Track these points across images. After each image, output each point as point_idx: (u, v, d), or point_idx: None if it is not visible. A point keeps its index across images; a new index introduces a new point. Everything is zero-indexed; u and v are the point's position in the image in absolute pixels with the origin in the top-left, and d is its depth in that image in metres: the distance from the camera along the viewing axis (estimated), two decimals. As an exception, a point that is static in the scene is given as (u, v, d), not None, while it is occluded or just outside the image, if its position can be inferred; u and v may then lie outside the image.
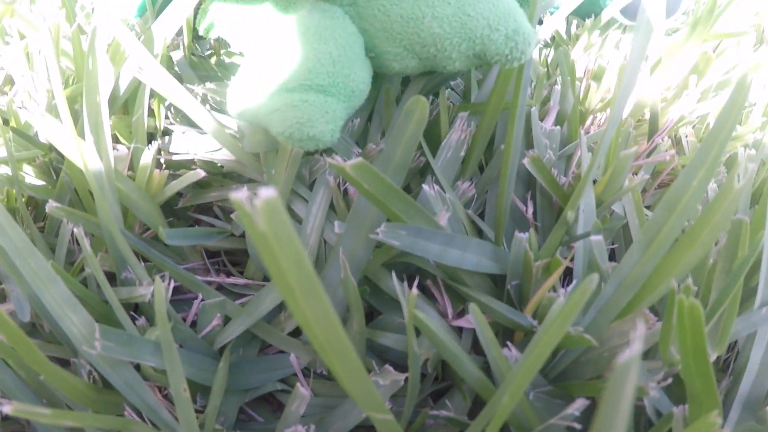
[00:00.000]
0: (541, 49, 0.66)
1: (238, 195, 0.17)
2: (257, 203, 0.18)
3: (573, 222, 0.42)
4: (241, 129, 0.44)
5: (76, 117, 0.51)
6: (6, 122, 0.61)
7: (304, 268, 0.20)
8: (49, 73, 0.45)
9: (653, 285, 0.35)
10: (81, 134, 0.44)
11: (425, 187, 0.41)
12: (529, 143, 0.49)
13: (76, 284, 0.40)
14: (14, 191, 0.49)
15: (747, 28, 0.75)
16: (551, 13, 0.64)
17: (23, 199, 0.50)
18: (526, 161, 0.44)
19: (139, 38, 0.62)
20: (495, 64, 0.42)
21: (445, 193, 0.42)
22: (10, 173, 0.50)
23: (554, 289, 0.41)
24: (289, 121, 0.37)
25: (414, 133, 0.37)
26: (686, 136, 0.58)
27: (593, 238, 0.39)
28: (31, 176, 0.54)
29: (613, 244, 0.49)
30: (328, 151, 0.47)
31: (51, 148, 0.53)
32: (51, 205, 0.42)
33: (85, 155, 0.41)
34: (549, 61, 0.65)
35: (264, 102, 0.40)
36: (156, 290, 0.34)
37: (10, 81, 0.69)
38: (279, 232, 0.18)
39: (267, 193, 0.17)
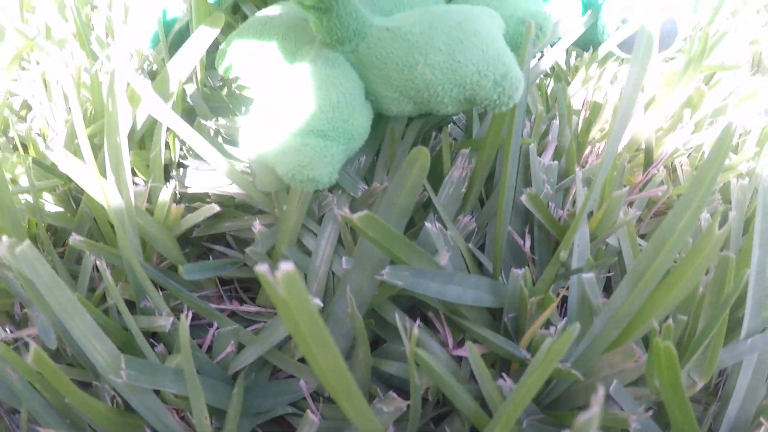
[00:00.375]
0: (541, 80, 0.70)
1: (262, 268, 0.21)
2: (278, 275, 0.21)
3: (567, 258, 0.46)
4: (253, 169, 0.48)
5: (95, 150, 0.55)
6: (24, 148, 0.65)
7: (317, 327, 0.24)
8: (72, 114, 0.49)
9: (640, 321, 0.39)
10: (101, 169, 0.48)
11: (428, 224, 0.45)
12: (527, 178, 0.53)
13: (99, 315, 0.43)
14: (35, 220, 0.53)
15: (743, 55, 0.78)
16: (552, 45, 0.68)
17: (44, 226, 0.54)
18: (523, 198, 0.48)
19: (154, 72, 0.66)
20: (485, 108, 0.45)
21: (446, 230, 0.46)
22: (31, 200, 0.54)
23: (549, 321, 0.44)
24: (292, 164, 0.41)
25: (417, 180, 0.41)
26: (681, 165, 0.62)
27: (584, 276, 0.42)
28: (50, 203, 0.58)
29: (609, 272, 0.53)
30: (336, 187, 0.50)
31: (70, 178, 0.57)
32: (74, 239, 0.46)
33: (107, 193, 0.45)
34: (549, 91, 0.69)
35: (271, 145, 0.44)
36: (181, 331, 0.38)
37: (26, 105, 0.73)
38: (295, 297, 0.22)
39: (285, 266, 0.21)
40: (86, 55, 0.73)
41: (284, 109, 0.44)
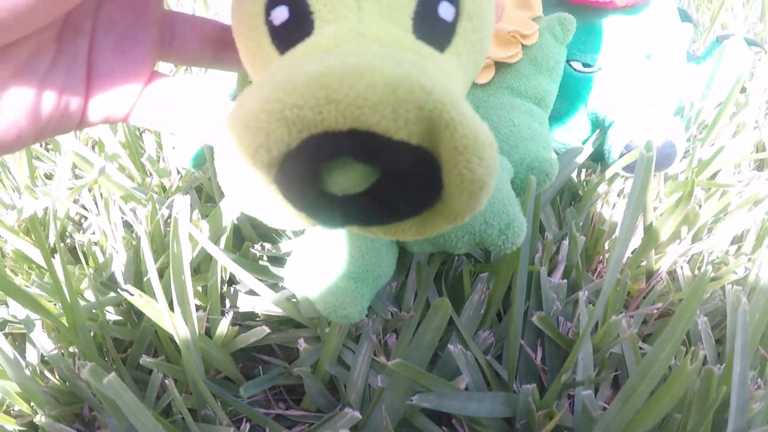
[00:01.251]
0: (555, 198, 0.81)
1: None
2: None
3: (573, 369, 0.57)
4: (298, 299, 0.59)
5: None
6: (84, 256, 0.77)
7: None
8: (144, 257, 0.60)
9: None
10: (166, 293, 0.60)
11: (450, 347, 0.56)
12: (539, 295, 0.64)
13: (169, 426, 0.55)
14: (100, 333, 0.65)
15: (747, 149, 0.90)
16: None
17: (109, 338, 0.65)
18: (534, 319, 0.60)
19: (200, 188, 0.78)
20: (492, 251, 0.56)
21: (467, 349, 0.57)
22: (95, 311, 0.66)
23: (558, 424, 0.56)
24: (328, 303, 0.53)
25: (440, 323, 0.53)
26: (682, 270, 0.73)
27: (584, 393, 0.54)
28: (111, 314, 0.70)
29: (617, 371, 0.64)
30: (371, 311, 0.62)
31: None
32: (145, 360, 0.58)
33: (176, 324, 0.56)
34: (561, 202, 0.81)
35: (310, 284, 0.56)
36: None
37: (80, 214, 0.86)
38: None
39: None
40: (136, 168, 0.86)
41: (319, 254, 0.56)
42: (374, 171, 0.28)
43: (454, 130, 0.25)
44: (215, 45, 0.40)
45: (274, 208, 0.30)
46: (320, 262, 0.55)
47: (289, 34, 0.31)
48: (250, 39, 0.33)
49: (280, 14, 0.31)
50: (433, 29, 0.31)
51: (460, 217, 0.29)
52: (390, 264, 0.59)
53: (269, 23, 0.32)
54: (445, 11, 0.32)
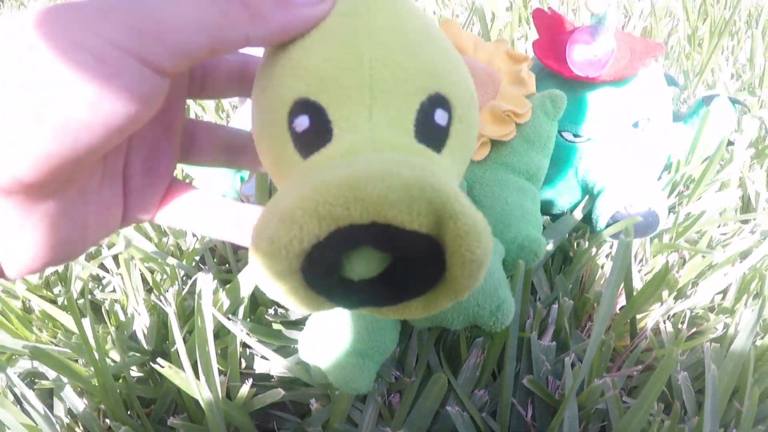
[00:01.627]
0: (548, 261, 0.89)
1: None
2: None
3: (560, 427, 0.65)
4: (311, 367, 0.67)
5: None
6: (108, 314, 0.84)
7: None
8: (171, 328, 0.68)
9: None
10: (190, 357, 0.68)
11: (448, 408, 0.65)
12: (529, 359, 0.72)
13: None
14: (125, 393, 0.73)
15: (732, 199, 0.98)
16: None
17: (135, 395, 0.73)
18: (525, 381, 0.68)
19: (213, 248, 0.86)
20: (484, 329, 0.64)
21: (464, 410, 0.65)
22: (121, 369, 0.73)
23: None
24: (338, 377, 0.61)
25: (438, 393, 0.61)
26: (665, 323, 0.81)
27: (568, 452, 0.62)
28: (134, 371, 0.78)
29: (603, 422, 0.72)
30: (376, 376, 0.70)
31: (154, 353, 0.77)
32: (172, 421, 0.66)
33: (201, 391, 0.64)
34: (552, 263, 0.89)
35: (321, 358, 0.63)
36: None
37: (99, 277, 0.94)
38: None
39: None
40: (152, 227, 0.94)
41: (330, 331, 0.64)
42: (387, 257, 0.34)
43: (456, 219, 0.31)
44: (229, 151, 0.46)
45: (298, 293, 0.35)
46: (331, 339, 0.63)
47: (311, 140, 0.37)
48: (274, 144, 0.39)
49: (302, 123, 0.36)
50: (431, 133, 0.38)
51: (461, 294, 0.35)
52: (394, 339, 0.66)
53: (292, 130, 0.37)
54: (440, 117, 0.38)
